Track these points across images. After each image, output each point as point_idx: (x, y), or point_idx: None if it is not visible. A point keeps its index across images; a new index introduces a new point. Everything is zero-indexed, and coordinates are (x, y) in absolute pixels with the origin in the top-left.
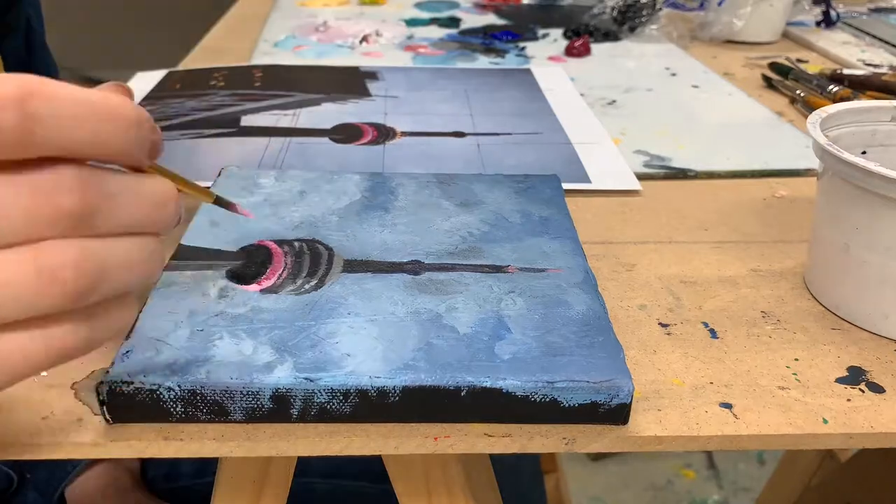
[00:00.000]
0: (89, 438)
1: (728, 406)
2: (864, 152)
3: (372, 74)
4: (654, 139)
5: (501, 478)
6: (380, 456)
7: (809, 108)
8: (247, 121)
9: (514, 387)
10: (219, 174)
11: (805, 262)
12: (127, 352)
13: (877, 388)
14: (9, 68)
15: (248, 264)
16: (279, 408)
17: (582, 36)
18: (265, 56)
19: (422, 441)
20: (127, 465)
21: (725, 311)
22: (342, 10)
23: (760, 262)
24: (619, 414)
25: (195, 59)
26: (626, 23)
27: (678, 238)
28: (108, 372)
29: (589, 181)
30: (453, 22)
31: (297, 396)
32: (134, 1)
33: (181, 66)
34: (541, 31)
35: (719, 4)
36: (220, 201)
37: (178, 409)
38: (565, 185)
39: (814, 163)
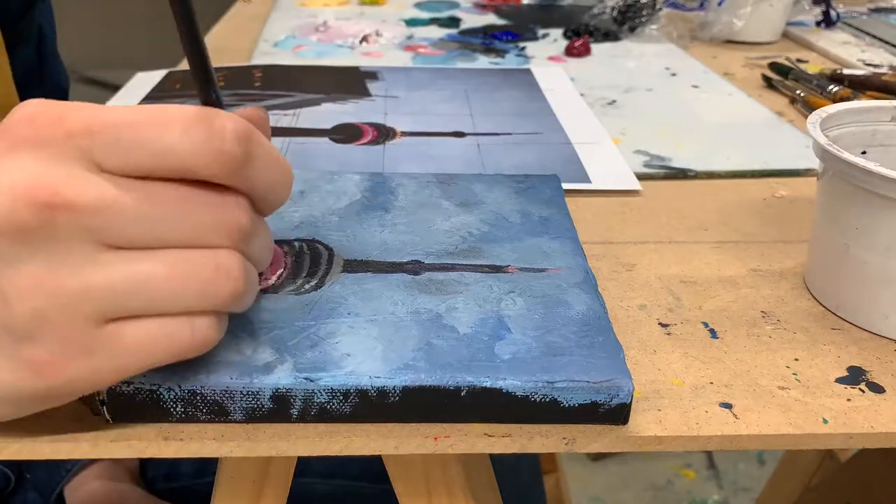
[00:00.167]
0: (89, 438)
1: (728, 406)
2: (864, 152)
3: (372, 74)
4: (654, 139)
5: (501, 478)
6: (379, 456)
7: (809, 108)
8: None
9: (514, 387)
10: None
11: (805, 262)
12: None
13: (877, 388)
14: (19, 77)
15: None
16: (279, 408)
17: (582, 36)
18: (265, 56)
19: (422, 441)
20: (126, 465)
21: (725, 311)
22: (342, 10)
23: (760, 262)
24: (619, 414)
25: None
26: (626, 23)
27: (678, 238)
28: None
29: (589, 181)
30: (453, 22)
31: (297, 396)
32: (134, 1)
33: (181, 67)
34: (541, 31)
35: (719, 4)
36: None
37: (178, 409)
38: (565, 185)
39: (814, 163)
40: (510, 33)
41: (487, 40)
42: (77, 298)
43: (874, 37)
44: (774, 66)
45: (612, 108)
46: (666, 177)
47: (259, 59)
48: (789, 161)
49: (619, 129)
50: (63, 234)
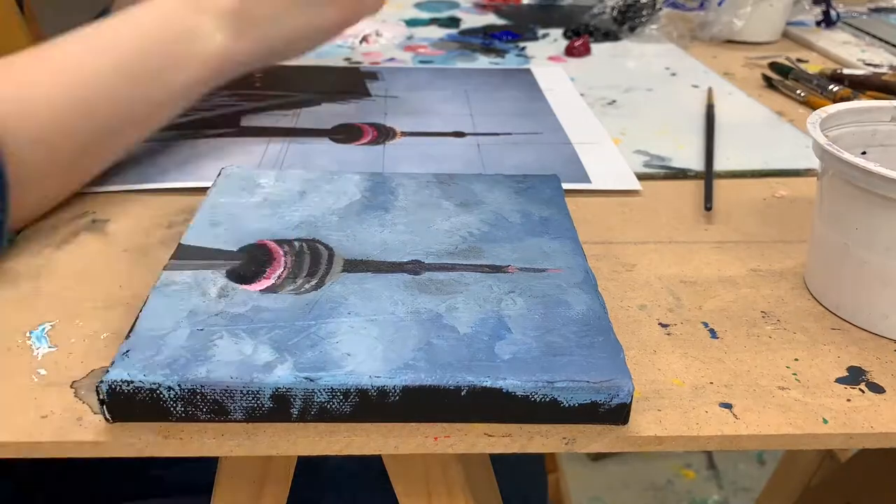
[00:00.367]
0: (89, 437)
1: (728, 406)
2: (864, 152)
3: (372, 74)
4: (654, 139)
5: (501, 478)
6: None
7: (810, 108)
8: (247, 121)
9: (514, 387)
10: (218, 174)
11: (805, 262)
12: (127, 351)
13: (877, 389)
14: None
15: (248, 264)
16: (279, 407)
17: (582, 36)
18: None
19: (422, 441)
20: None
21: (725, 311)
22: None
23: (760, 262)
24: (619, 414)
25: None
26: (626, 23)
27: (678, 238)
28: (107, 371)
29: (589, 181)
30: (453, 22)
31: (297, 396)
32: None
33: None
34: (541, 31)
35: (719, 4)
36: None
37: (177, 409)
38: (565, 186)
39: (814, 163)
40: (510, 33)
41: (487, 40)
42: None
43: (874, 37)
44: (775, 66)
45: (612, 108)
46: (666, 177)
47: None
48: (789, 161)
49: (619, 129)
50: None
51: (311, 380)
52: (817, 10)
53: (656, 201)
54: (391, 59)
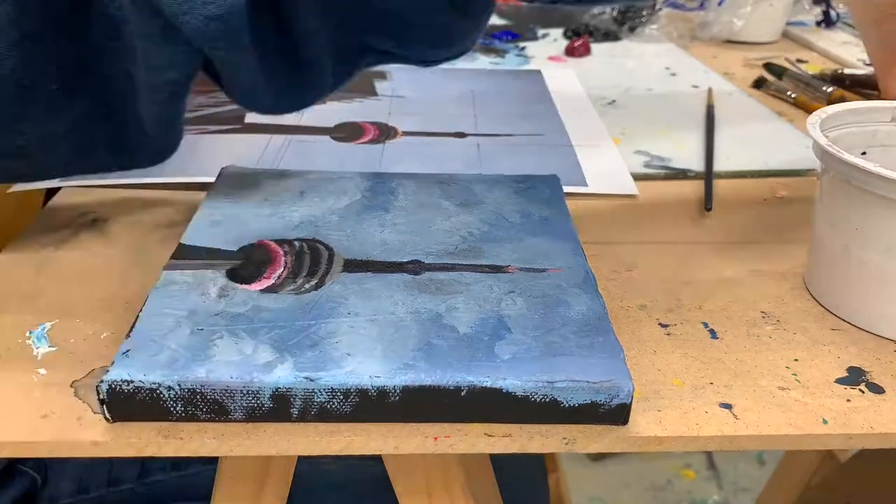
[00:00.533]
0: (89, 437)
1: (728, 406)
2: (864, 153)
3: (381, 74)
4: (654, 139)
5: (501, 478)
6: None
7: (801, 109)
8: (251, 117)
9: (514, 387)
10: (219, 174)
11: (805, 263)
12: (127, 351)
13: (877, 389)
14: None
15: (248, 264)
16: (279, 407)
17: (582, 36)
18: None
19: (422, 441)
20: None
21: (725, 311)
22: None
23: (760, 263)
24: (619, 414)
25: None
26: (626, 23)
27: (678, 238)
28: (107, 371)
29: (586, 184)
30: None
31: (297, 396)
32: None
33: None
34: (541, 31)
35: (719, 4)
36: None
37: (177, 409)
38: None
39: (814, 163)
40: (510, 33)
41: (487, 40)
42: None
43: None
44: (769, 67)
45: (612, 108)
46: (666, 177)
47: None
48: (789, 161)
49: (619, 129)
50: None
51: (311, 380)
52: (817, 10)
53: (656, 201)
54: None
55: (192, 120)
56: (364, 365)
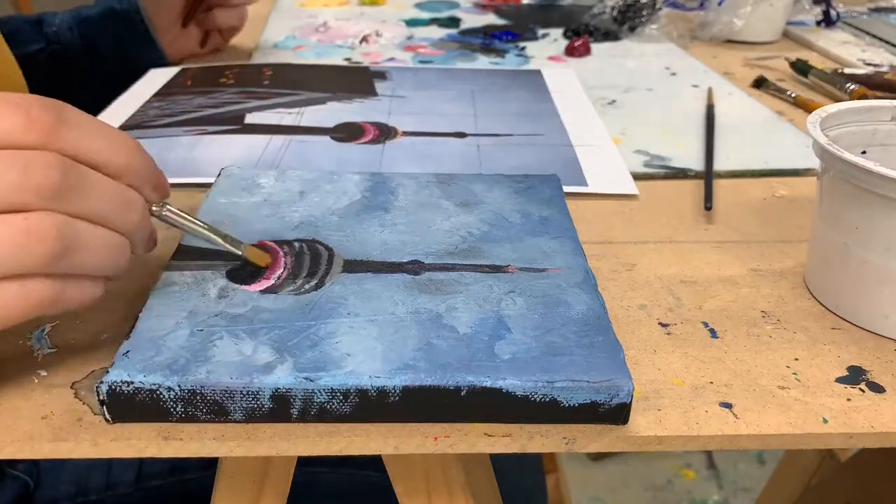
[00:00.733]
0: (89, 438)
1: (728, 406)
2: (864, 152)
3: (381, 74)
4: (654, 139)
5: (501, 478)
6: None
7: (801, 108)
8: (251, 118)
9: (514, 387)
10: (219, 174)
11: (805, 262)
12: (127, 352)
13: (877, 388)
14: None
15: (248, 264)
16: (279, 408)
17: (582, 36)
18: (267, 56)
19: (422, 441)
20: None
21: (725, 311)
22: (342, 10)
23: (760, 262)
24: (619, 414)
25: (195, 59)
26: (626, 22)
27: (678, 238)
28: (107, 372)
29: (586, 184)
30: (453, 22)
31: (296, 396)
32: None
33: (195, 63)
34: (541, 31)
35: (719, 4)
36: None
37: (177, 409)
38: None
39: (814, 162)
40: (510, 33)
41: (487, 40)
42: None
43: (874, 36)
44: (796, 65)
45: (612, 108)
46: (666, 177)
47: (260, 60)
48: (789, 161)
49: (619, 129)
50: None
51: (311, 380)
52: (817, 10)
53: (656, 201)
54: (391, 59)
55: (191, 121)
56: (364, 365)
